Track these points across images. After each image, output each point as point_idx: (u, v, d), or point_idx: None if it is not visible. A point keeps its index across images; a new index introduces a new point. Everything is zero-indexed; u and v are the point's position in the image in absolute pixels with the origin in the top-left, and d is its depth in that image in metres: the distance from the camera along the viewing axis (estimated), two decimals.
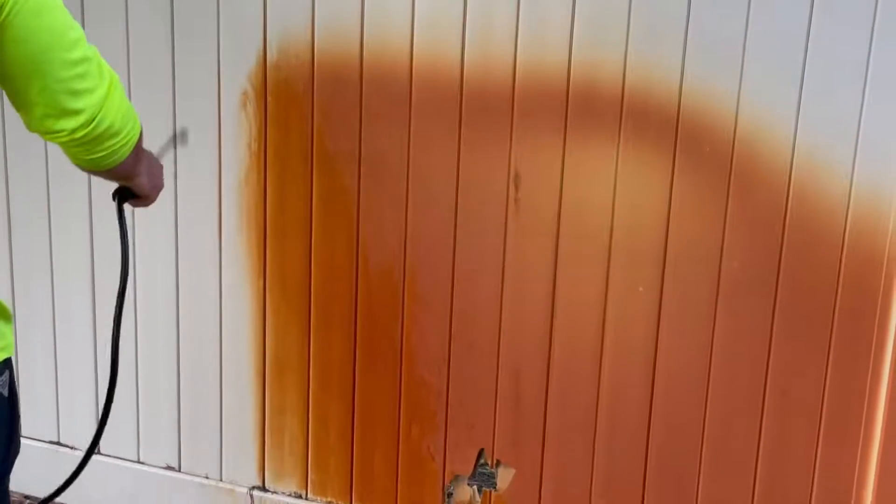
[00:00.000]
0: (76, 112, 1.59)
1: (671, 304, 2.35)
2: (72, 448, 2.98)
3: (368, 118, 2.49)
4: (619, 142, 2.31)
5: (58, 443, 3.00)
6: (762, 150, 2.23)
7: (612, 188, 2.33)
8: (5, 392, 1.77)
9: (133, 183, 1.93)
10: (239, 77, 2.58)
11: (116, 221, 2.01)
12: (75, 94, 1.58)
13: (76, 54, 1.57)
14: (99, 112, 1.61)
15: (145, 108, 2.65)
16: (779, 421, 2.34)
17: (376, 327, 2.59)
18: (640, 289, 2.36)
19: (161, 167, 2.02)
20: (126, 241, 2.03)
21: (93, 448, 2.09)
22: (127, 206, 2.01)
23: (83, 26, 1.66)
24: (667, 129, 2.27)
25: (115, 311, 2.05)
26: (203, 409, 2.81)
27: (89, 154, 1.68)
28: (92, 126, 1.61)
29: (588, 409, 2.47)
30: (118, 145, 1.69)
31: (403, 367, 2.59)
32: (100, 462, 2.94)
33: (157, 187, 2.01)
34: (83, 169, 1.76)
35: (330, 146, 2.54)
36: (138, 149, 1.78)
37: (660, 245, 2.33)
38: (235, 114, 2.60)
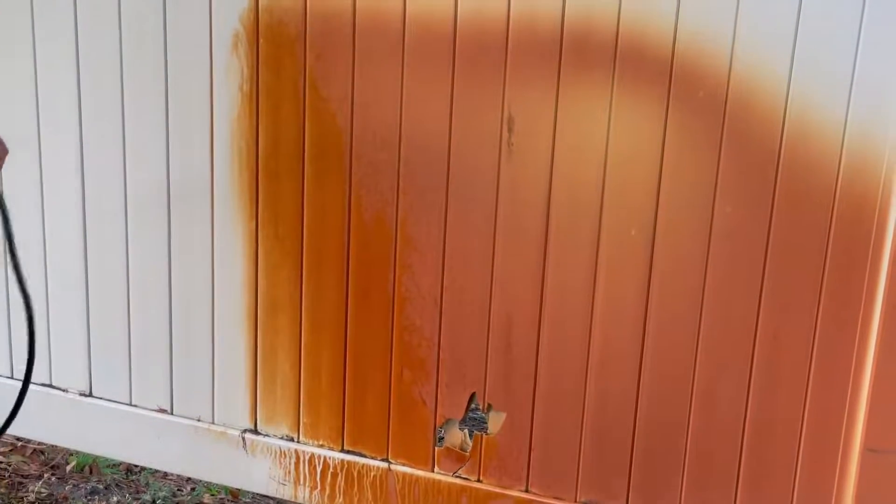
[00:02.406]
0: None
1: (663, 248, 2.35)
2: (64, 391, 2.98)
3: (361, 60, 2.47)
4: (613, 86, 2.29)
5: (49, 385, 3.00)
6: (756, 93, 2.21)
7: (606, 132, 2.32)
8: None
9: None
10: (231, 18, 2.55)
11: None
12: None
13: None
14: None
15: (136, 47, 2.65)
16: (769, 364, 2.35)
17: (369, 271, 2.59)
18: (633, 232, 2.36)
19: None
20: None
21: (26, 383, 2.21)
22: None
23: None
24: (661, 74, 2.26)
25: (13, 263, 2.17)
26: (195, 352, 2.82)
27: None
28: None
29: (579, 354, 2.47)
30: None
31: (395, 311, 2.59)
32: (93, 405, 2.95)
33: (3, 154, 2.08)
34: None
35: (322, 89, 2.52)
36: None
37: (653, 189, 2.32)
38: (227, 55, 2.58)
